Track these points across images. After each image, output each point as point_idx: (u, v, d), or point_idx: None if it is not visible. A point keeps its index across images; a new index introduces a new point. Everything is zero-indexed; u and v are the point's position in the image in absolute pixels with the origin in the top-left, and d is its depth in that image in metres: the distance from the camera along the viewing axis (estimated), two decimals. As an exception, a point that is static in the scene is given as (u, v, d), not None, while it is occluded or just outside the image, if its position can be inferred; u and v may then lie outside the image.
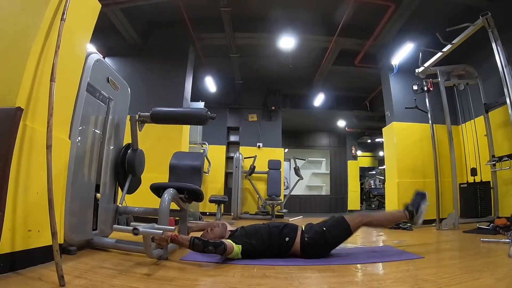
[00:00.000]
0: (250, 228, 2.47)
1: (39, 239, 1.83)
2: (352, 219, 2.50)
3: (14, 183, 1.66)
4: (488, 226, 4.02)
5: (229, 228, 2.58)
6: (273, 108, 8.57)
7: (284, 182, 8.52)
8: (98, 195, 2.54)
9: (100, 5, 2.50)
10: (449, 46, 4.47)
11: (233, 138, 9.17)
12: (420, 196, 2.60)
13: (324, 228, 2.41)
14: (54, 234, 1.62)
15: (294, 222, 2.73)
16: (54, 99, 1.78)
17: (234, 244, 2.21)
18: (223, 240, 2.24)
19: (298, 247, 2.36)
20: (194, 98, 6.84)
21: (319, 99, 8.87)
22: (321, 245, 2.39)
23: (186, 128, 5.74)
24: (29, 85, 1.77)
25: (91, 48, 3.22)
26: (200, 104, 6.94)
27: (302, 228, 2.45)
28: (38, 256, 1.82)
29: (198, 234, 2.54)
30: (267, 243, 2.34)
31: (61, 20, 1.92)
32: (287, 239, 2.36)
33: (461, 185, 4.80)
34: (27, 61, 1.76)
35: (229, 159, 8.73)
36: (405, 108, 5.48)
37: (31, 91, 1.79)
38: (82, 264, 1.97)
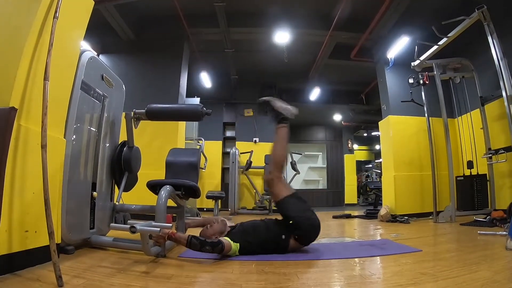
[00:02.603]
0: (247, 225, 2.46)
1: (36, 239, 1.82)
2: (279, 190, 2.52)
3: (9, 184, 1.64)
4: (485, 218, 4.04)
5: (229, 224, 2.58)
6: (269, 102, 8.51)
7: (281, 177, 8.48)
8: (95, 193, 2.53)
9: (93, 2, 2.47)
10: (444, 40, 4.47)
11: (229, 133, 9.18)
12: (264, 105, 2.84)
13: (295, 216, 2.40)
14: (51, 234, 1.62)
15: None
16: (48, 98, 1.76)
17: (232, 242, 2.21)
18: (221, 238, 2.24)
19: (294, 242, 2.37)
20: (189, 94, 6.81)
21: (315, 93, 8.87)
22: (308, 229, 2.40)
23: (182, 124, 5.71)
24: (22, 85, 1.75)
25: (84, 45, 3.18)
26: (196, 100, 6.94)
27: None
28: (36, 257, 1.80)
29: (196, 230, 2.54)
30: (264, 241, 2.33)
31: (53, 18, 1.89)
32: (283, 236, 2.34)
33: (458, 178, 4.82)
34: (20, 60, 1.74)
35: (225, 154, 8.76)
36: (401, 101, 5.47)
37: (25, 91, 1.77)
38: (80, 264, 1.96)
